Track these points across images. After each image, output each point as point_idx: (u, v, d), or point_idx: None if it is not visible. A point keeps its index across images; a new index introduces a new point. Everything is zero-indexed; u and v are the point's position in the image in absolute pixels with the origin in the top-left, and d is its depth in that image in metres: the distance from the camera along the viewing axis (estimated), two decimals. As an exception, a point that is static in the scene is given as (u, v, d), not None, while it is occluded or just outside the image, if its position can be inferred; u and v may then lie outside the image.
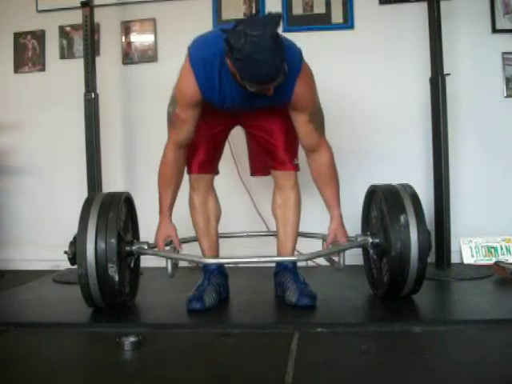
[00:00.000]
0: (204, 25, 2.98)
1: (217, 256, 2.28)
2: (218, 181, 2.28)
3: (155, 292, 2.39)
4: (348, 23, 3.01)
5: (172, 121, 1.99)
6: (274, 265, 2.27)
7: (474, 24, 2.95)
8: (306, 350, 1.62)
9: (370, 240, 2.14)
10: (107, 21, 3.13)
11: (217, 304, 2.09)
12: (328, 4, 3.01)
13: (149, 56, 3.16)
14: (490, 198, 2.94)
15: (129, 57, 3.18)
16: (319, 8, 3.02)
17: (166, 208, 2.07)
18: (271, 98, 1.80)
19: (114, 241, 1.93)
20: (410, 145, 2.98)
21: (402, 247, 1.96)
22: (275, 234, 2.28)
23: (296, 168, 2.18)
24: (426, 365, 1.47)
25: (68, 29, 3.20)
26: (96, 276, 1.92)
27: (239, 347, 1.67)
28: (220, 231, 2.31)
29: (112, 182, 2.97)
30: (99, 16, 2.98)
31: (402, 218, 1.99)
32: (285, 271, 2.16)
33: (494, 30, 2.93)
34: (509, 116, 2.95)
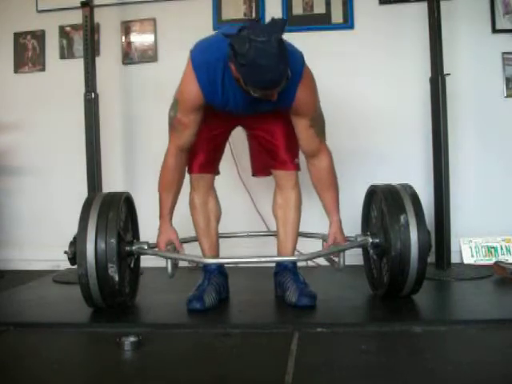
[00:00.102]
0: (204, 25, 3.00)
1: (217, 256, 2.27)
2: (219, 181, 2.28)
3: (155, 292, 2.39)
4: (348, 23, 3.01)
5: (173, 125, 1.99)
6: (274, 265, 2.27)
7: (474, 24, 2.95)
8: (306, 350, 1.62)
9: (370, 240, 2.14)
10: (107, 21, 3.13)
11: (217, 304, 2.09)
12: (328, 4, 3.01)
13: (149, 56, 3.16)
14: (490, 198, 2.94)
15: (129, 57, 3.18)
16: (319, 8, 3.02)
17: (167, 212, 2.07)
18: (273, 103, 1.80)
19: (113, 241, 1.93)
20: (409, 145, 2.98)
21: (402, 247, 1.96)
22: (275, 234, 2.28)
23: (297, 168, 2.18)
24: (425, 365, 1.47)
25: (68, 29, 3.19)
26: (96, 276, 1.92)
27: (239, 347, 1.67)
28: (220, 231, 2.31)
29: (112, 182, 2.97)
30: (99, 16, 2.98)
31: (402, 217, 1.99)
32: (285, 271, 2.16)
33: (494, 30, 2.93)
34: (509, 116, 2.95)
